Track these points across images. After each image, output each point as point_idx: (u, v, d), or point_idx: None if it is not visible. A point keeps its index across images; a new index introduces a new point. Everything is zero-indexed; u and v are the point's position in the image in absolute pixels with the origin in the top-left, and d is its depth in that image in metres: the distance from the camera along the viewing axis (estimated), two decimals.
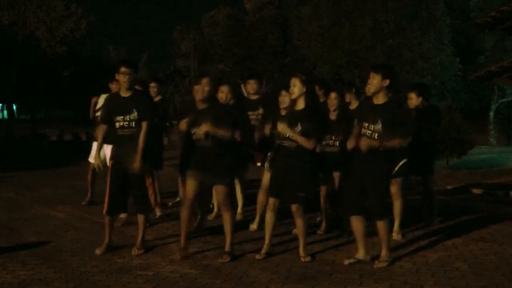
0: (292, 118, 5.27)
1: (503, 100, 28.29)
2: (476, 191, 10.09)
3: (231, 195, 6.29)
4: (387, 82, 4.98)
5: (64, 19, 26.10)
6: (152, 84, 7.63)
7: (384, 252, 5.21)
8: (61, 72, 28.14)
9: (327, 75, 23.50)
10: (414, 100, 6.50)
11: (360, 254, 5.24)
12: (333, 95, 6.27)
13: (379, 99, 5.04)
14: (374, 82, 4.99)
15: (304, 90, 5.24)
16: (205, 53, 30.84)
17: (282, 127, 5.23)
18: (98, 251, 5.60)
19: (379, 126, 4.94)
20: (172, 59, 32.44)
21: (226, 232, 5.47)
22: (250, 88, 6.87)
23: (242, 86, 7.31)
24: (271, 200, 5.42)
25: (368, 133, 5.01)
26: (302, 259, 5.31)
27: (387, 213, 5.26)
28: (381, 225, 5.14)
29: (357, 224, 5.22)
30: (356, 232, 5.25)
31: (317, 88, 6.66)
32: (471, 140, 14.83)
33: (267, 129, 5.68)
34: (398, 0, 22.35)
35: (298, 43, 26.60)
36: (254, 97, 6.85)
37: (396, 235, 6.13)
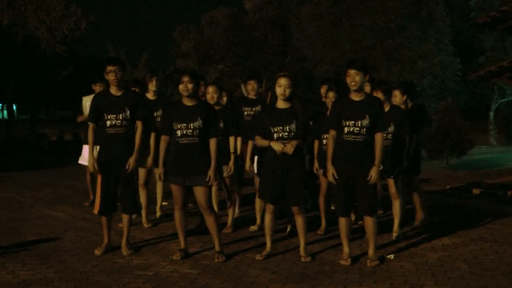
0: (284, 115, 5.23)
1: (503, 100, 28.31)
2: (476, 191, 10.09)
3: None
4: (368, 77, 5.15)
5: (64, 19, 26.07)
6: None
7: (372, 251, 5.24)
8: (61, 72, 28.13)
9: (327, 75, 23.49)
10: (398, 98, 6.51)
11: (346, 252, 5.28)
12: (331, 94, 6.37)
13: (359, 96, 5.10)
14: (358, 78, 5.03)
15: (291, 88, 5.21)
16: (205, 53, 30.77)
17: (277, 146, 5.14)
18: (97, 252, 5.60)
19: (367, 122, 5.01)
20: (172, 59, 32.39)
21: (213, 234, 5.43)
22: (251, 88, 7.19)
23: (242, 86, 7.54)
24: (270, 205, 5.40)
25: (356, 130, 5.03)
26: (303, 259, 5.31)
27: (376, 211, 5.30)
28: (370, 221, 5.18)
29: (344, 223, 5.24)
30: (343, 231, 5.26)
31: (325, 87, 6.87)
32: (471, 140, 14.85)
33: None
34: (398, 0, 22.32)
35: (298, 43, 26.57)
36: (254, 96, 7.18)
37: (396, 235, 6.13)
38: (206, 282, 4.74)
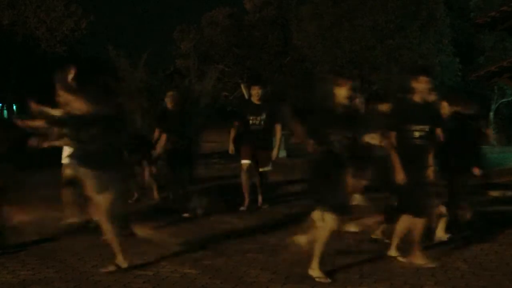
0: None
1: (503, 100, 28.30)
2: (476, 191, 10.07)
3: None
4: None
5: (64, 19, 26.09)
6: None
7: (420, 254, 5.33)
8: None
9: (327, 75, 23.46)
10: (446, 110, 6.66)
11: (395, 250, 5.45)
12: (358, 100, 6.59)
13: (424, 101, 5.25)
14: (428, 86, 5.19)
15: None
16: (205, 53, 30.76)
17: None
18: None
19: (431, 126, 5.21)
20: (172, 59, 32.38)
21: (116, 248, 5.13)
22: (255, 93, 7.29)
23: (242, 86, 7.61)
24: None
25: (424, 134, 5.16)
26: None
27: (428, 212, 5.40)
28: (421, 223, 5.29)
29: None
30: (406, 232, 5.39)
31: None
32: None
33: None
34: (398, 0, 22.33)
35: (298, 43, 26.55)
36: (258, 102, 7.24)
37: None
38: (206, 282, 4.74)
